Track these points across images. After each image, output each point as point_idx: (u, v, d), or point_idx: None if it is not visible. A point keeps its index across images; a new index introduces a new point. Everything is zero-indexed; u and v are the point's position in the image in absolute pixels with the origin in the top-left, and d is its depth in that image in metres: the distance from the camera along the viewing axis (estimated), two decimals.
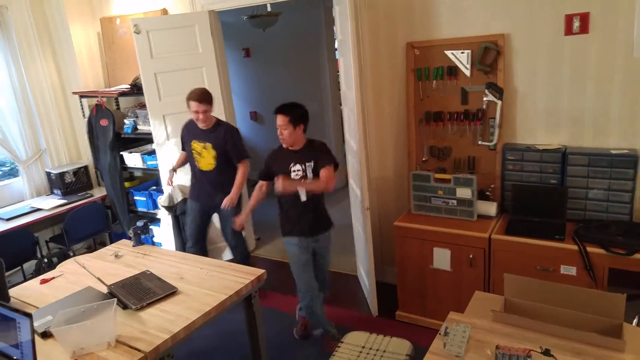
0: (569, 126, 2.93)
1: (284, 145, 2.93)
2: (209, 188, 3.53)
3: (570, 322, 1.84)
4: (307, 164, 2.87)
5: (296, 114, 2.83)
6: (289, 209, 2.97)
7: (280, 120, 2.83)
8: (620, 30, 2.66)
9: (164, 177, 4.13)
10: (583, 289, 1.96)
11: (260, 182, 3.12)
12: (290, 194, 2.85)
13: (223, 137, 3.42)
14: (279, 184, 2.76)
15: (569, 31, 2.79)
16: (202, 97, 3.30)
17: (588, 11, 2.72)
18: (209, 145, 3.42)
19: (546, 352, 1.68)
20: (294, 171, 2.88)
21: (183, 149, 3.65)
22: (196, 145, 3.46)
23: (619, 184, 2.70)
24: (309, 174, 2.87)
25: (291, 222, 2.98)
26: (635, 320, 2.43)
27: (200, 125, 3.39)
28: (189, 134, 3.52)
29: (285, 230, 3.02)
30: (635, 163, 2.64)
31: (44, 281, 2.61)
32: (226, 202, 3.44)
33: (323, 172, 2.83)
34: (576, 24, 2.76)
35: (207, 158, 3.45)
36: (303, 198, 2.85)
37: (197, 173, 3.56)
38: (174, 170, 3.72)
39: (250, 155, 3.70)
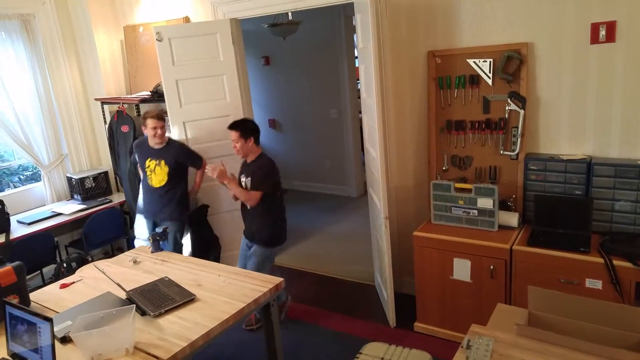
0: (595, 136, 2.87)
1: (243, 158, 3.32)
2: (157, 203, 3.71)
3: (597, 337, 1.79)
4: (246, 178, 3.23)
5: (244, 127, 3.20)
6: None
7: (232, 135, 3.20)
8: None
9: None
10: (610, 303, 1.93)
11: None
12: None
13: (176, 153, 3.67)
14: (213, 168, 3.21)
15: (595, 40, 2.74)
16: (160, 115, 3.62)
17: (615, 20, 2.67)
18: (162, 162, 3.65)
19: None
20: (242, 180, 3.28)
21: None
22: (150, 163, 3.66)
23: None
24: (248, 186, 3.23)
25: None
26: None
27: (157, 141, 3.61)
28: (142, 153, 3.71)
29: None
30: None
31: (63, 286, 2.63)
32: (192, 189, 3.83)
33: (254, 192, 3.19)
34: (602, 32, 2.71)
35: (159, 175, 3.67)
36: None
37: (148, 189, 3.74)
38: None
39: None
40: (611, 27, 2.69)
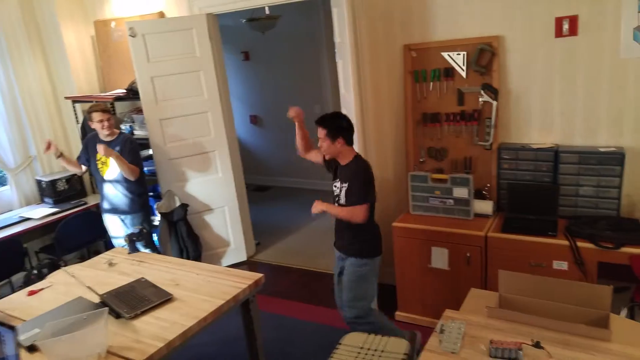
0: (561, 125, 2.97)
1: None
2: (115, 196, 3.69)
3: (561, 314, 1.90)
4: (343, 184, 2.66)
5: (333, 126, 2.60)
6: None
7: (319, 132, 2.64)
8: (608, 32, 2.72)
9: (163, 183, 4.14)
10: (572, 282, 2.02)
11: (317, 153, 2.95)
12: None
13: (122, 145, 3.62)
14: (314, 205, 2.67)
15: (559, 33, 2.83)
16: (105, 108, 3.60)
17: (577, 14, 2.77)
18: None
19: (537, 345, 1.73)
20: (334, 185, 2.73)
21: (84, 164, 3.76)
22: (101, 157, 3.62)
23: (607, 180, 2.75)
24: (342, 196, 2.67)
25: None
26: (624, 312, 2.46)
27: (106, 132, 3.58)
28: (93, 148, 3.64)
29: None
30: (622, 160, 2.70)
31: (32, 293, 2.52)
32: (100, 147, 3.47)
33: (353, 209, 2.62)
34: (565, 26, 2.80)
35: (111, 166, 3.63)
36: (313, 212, 2.70)
37: (104, 183, 3.71)
38: (62, 155, 3.68)
39: (142, 166, 3.81)
40: (573, 21, 2.78)
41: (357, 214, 2.58)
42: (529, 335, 1.82)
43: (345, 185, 2.63)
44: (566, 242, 2.62)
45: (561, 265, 2.65)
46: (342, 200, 2.67)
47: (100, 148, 3.42)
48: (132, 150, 3.66)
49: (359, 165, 2.65)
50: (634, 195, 2.84)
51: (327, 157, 2.79)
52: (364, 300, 2.71)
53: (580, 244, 2.59)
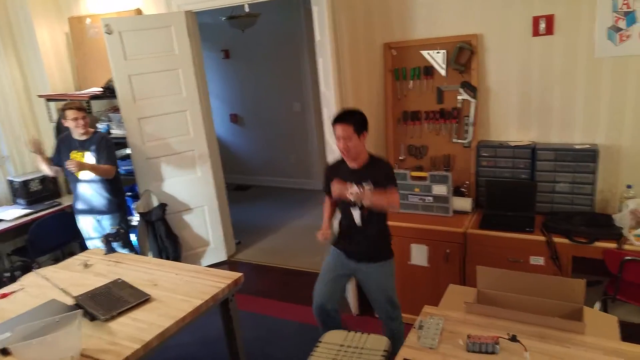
0: (538, 123, 3.01)
1: (348, 162, 2.52)
2: (90, 197, 3.63)
3: (536, 308, 1.94)
4: (364, 183, 2.46)
5: (358, 120, 2.42)
6: (344, 225, 2.64)
7: (343, 131, 2.39)
8: (583, 31, 2.77)
9: (141, 182, 4.08)
10: (547, 276, 2.08)
11: (327, 198, 2.75)
12: (348, 218, 2.56)
13: (97, 143, 3.57)
14: (334, 188, 2.43)
15: (536, 32, 2.88)
16: (79, 105, 3.51)
17: (553, 13, 2.81)
18: (88, 153, 3.55)
19: (513, 338, 1.76)
20: (351, 193, 2.46)
21: (58, 165, 3.65)
22: (76, 155, 3.56)
23: (582, 177, 2.80)
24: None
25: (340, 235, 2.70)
26: (597, 305, 2.52)
27: (80, 131, 3.51)
28: (66, 148, 3.59)
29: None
30: (596, 157, 2.76)
31: (3, 296, 2.46)
32: (70, 164, 3.36)
33: (390, 193, 2.46)
34: (542, 25, 2.85)
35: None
36: (357, 221, 2.52)
37: (78, 184, 3.64)
38: (46, 158, 3.63)
39: (117, 165, 3.72)
40: (550, 20, 2.82)
41: (394, 199, 2.44)
42: (505, 329, 1.84)
43: (370, 183, 2.43)
44: (543, 238, 2.66)
45: (537, 260, 2.69)
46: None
47: (70, 165, 3.31)
48: (107, 148, 3.59)
49: (384, 163, 2.53)
50: (607, 191, 2.91)
51: (347, 159, 2.50)
52: (396, 294, 2.67)
53: (556, 239, 2.63)
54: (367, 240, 2.55)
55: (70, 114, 3.45)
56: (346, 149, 2.43)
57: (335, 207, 2.74)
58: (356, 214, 2.52)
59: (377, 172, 2.47)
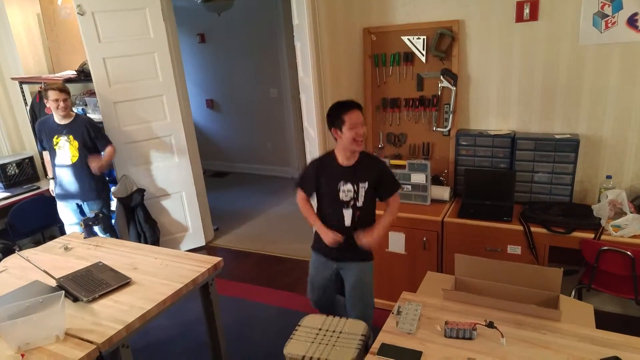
0: (518, 112, 3.03)
1: (341, 158, 2.41)
2: (73, 182, 3.60)
3: (513, 296, 1.97)
4: (360, 184, 2.38)
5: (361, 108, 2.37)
6: (330, 226, 2.48)
7: (359, 117, 2.31)
8: (568, 17, 2.76)
9: (118, 167, 4.01)
10: (525, 265, 2.08)
11: (300, 192, 2.59)
12: (338, 219, 2.43)
13: (84, 128, 3.53)
14: (364, 240, 2.37)
15: (520, 18, 2.86)
16: (62, 87, 3.43)
17: None
18: (71, 137, 3.51)
19: (490, 325, 1.78)
20: (343, 191, 2.39)
21: (44, 149, 3.65)
22: (58, 140, 3.52)
23: (562, 167, 2.83)
24: (360, 197, 2.39)
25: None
26: (572, 294, 2.59)
27: (61, 114, 3.45)
28: (47, 132, 3.55)
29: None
30: (576, 147, 2.77)
31: None
32: (95, 167, 3.49)
33: (394, 202, 2.47)
34: (527, 10, 2.82)
35: (70, 151, 3.53)
36: (347, 223, 2.43)
37: (61, 169, 3.61)
38: (53, 178, 3.73)
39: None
40: (534, 5, 2.80)
41: (398, 204, 2.48)
42: (483, 316, 1.87)
43: (365, 184, 2.38)
44: (520, 227, 2.69)
45: (515, 250, 2.72)
46: (360, 202, 2.40)
47: (94, 166, 3.45)
48: (99, 131, 3.60)
49: (374, 157, 2.47)
50: (586, 181, 2.95)
51: (357, 148, 2.36)
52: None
53: (533, 229, 2.65)
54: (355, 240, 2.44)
55: (51, 94, 3.38)
56: (360, 138, 2.30)
57: (309, 201, 2.60)
58: (347, 215, 2.42)
59: (372, 171, 2.40)
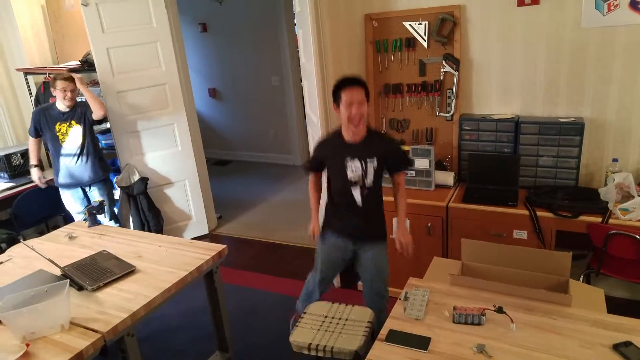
0: (522, 96, 3.01)
1: (348, 135, 2.35)
2: (78, 166, 3.63)
3: (522, 281, 1.94)
4: (368, 160, 2.31)
5: (365, 84, 2.28)
6: (342, 206, 2.47)
7: (358, 94, 2.21)
8: (569, 0, 2.72)
9: (121, 156, 4.00)
10: (533, 249, 2.08)
11: (311, 177, 2.59)
12: (348, 198, 2.40)
13: (84, 107, 3.57)
14: (404, 241, 2.45)
15: (521, 2, 2.83)
16: (70, 77, 3.49)
17: None
18: (73, 122, 3.56)
19: (499, 310, 1.75)
20: (351, 168, 2.33)
21: (38, 136, 3.66)
22: (61, 127, 3.55)
23: (566, 150, 2.81)
24: (369, 174, 2.33)
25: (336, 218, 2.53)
26: (581, 278, 2.57)
27: (67, 103, 3.51)
28: (48, 120, 3.56)
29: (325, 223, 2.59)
30: (581, 130, 2.75)
31: None
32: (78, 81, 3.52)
33: (401, 180, 2.47)
34: None
35: (74, 135, 3.58)
36: (358, 200, 2.39)
37: (65, 155, 3.62)
38: (37, 165, 3.75)
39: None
40: None
41: (405, 192, 2.53)
42: (491, 301, 1.86)
43: (374, 161, 2.31)
44: (526, 212, 2.67)
45: (521, 234, 2.71)
46: (370, 179, 2.34)
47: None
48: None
49: (384, 134, 2.45)
50: (591, 165, 2.93)
51: (351, 135, 2.34)
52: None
53: (539, 213, 2.64)
54: (369, 218, 2.45)
55: (59, 84, 3.44)
56: (360, 116, 2.23)
57: (320, 187, 2.61)
58: (357, 193, 2.38)
59: (380, 147, 2.34)
